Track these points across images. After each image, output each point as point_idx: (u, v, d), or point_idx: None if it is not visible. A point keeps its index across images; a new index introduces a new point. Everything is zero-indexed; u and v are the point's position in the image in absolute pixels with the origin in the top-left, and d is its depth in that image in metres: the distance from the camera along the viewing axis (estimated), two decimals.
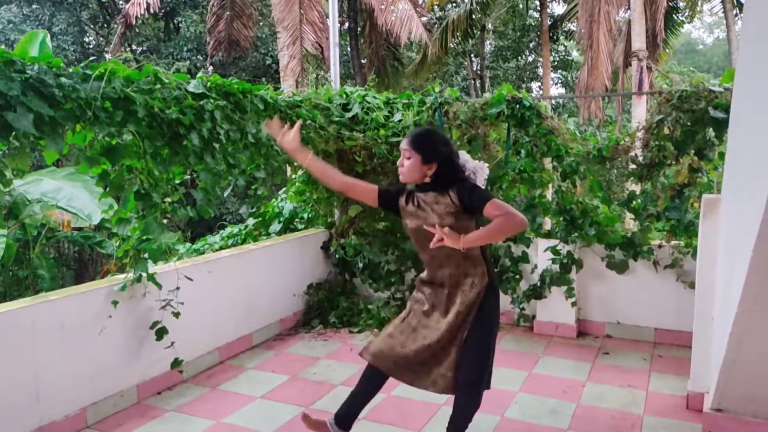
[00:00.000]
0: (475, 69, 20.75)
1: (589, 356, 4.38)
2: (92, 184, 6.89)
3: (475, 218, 2.67)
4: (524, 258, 4.92)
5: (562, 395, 3.70)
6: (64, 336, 3.25)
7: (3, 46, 2.79)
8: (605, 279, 4.77)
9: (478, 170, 2.73)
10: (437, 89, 5.11)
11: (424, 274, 2.80)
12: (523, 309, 4.96)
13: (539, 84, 21.38)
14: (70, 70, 2.99)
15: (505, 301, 5.04)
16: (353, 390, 2.90)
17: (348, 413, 2.87)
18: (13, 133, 2.76)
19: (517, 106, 4.70)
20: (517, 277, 4.94)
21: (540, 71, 19.86)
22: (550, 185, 4.92)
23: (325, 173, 2.81)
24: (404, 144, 2.66)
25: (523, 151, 4.79)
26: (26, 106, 2.70)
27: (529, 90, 20.75)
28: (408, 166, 2.63)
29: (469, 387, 2.71)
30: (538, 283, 4.82)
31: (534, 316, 4.97)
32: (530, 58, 21.52)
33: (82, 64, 3.09)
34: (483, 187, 2.68)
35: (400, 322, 2.80)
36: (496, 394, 3.70)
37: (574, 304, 4.73)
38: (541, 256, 4.80)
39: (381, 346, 2.76)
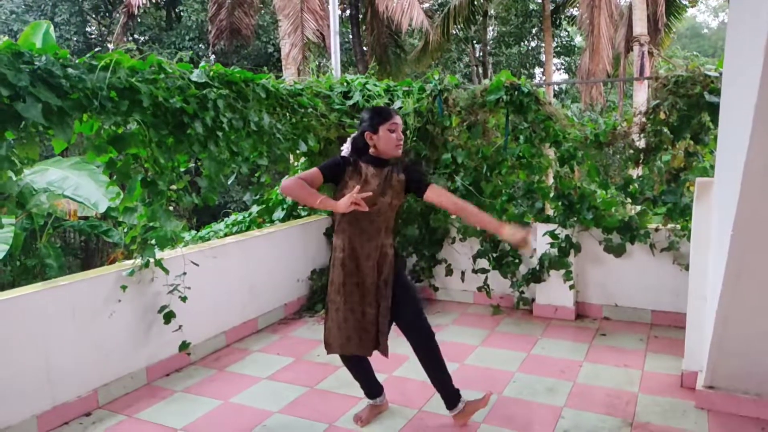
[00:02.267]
0: (477, 55, 20.68)
1: (586, 338, 4.47)
2: (98, 173, 6.99)
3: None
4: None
5: (559, 375, 3.79)
6: (74, 320, 3.36)
7: (6, 37, 2.86)
8: (603, 262, 4.85)
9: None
10: (437, 76, 5.16)
11: (343, 252, 2.91)
12: (522, 292, 5.05)
13: (542, 70, 21.31)
14: (77, 61, 3.07)
15: (504, 284, 5.13)
16: (354, 377, 3.23)
17: (369, 387, 3.24)
18: (23, 123, 2.84)
19: (516, 92, 4.76)
20: (517, 261, 5.03)
21: (543, 57, 19.79)
22: (549, 170, 4.99)
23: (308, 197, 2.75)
24: (399, 119, 2.92)
25: (521, 137, 4.85)
26: (35, 96, 2.78)
27: (531, 76, 20.72)
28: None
29: (418, 318, 3.00)
30: (537, 267, 4.90)
31: (533, 300, 5.06)
32: (533, 44, 21.43)
33: (87, 55, 3.17)
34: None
35: (337, 314, 2.97)
36: (494, 373, 3.82)
37: (572, 287, 4.82)
38: (540, 240, 4.87)
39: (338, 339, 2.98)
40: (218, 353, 4.32)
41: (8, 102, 2.71)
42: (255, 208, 6.42)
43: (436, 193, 2.88)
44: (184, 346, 3.90)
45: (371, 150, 2.89)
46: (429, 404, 3.41)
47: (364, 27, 15.07)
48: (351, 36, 15.79)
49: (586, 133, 4.69)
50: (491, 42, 20.63)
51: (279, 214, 6.15)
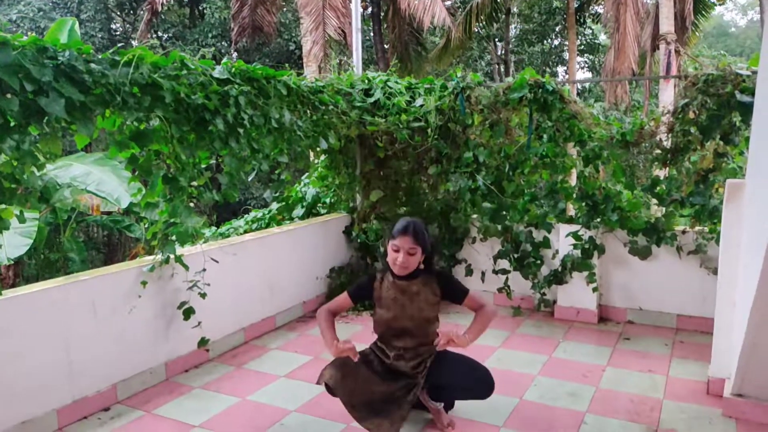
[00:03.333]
0: (499, 53, 20.51)
1: (610, 341, 4.38)
2: (120, 169, 7.06)
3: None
4: (545, 243, 4.92)
5: (582, 379, 3.72)
6: (95, 315, 3.37)
7: (34, 34, 2.88)
8: (627, 265, 4.75)
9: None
10: (459, 74, 5.10)
11: (375, 346, 3.08)
12: (543, 294, 4.97)
13: (565, 68, 21.08)
14: (100, 57, 3.08)
15: (525, 285, 5.06)
16: None
17: None
18: (46, 118, 2.85)
19: (540, 90, 4.67)
20: (538, 262, 4.94)
21: (566, 55, 19.56)
22: (573, 170, 4.90)
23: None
24: (408, 242, 2.82)
25: (545, 136, 4.77)
26: (58, 91, 2.78)
27: (554, 74, 20.49)
28: (413, 262, 2.86)
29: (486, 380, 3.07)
30: (559, 269, 4.82)
31: (555, 301, 4.97)
32: (556, 42, 21.19)
33: (110, 51, 3.17)
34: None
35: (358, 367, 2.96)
36: (515, 376, 3.75)
37: (595, 289, 4.72)
38: (562, 241, 4.79)
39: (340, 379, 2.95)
40: (236, 350, 4.32)
41: (32, 97, 2.71)
42: (275, 205, 6.43)
43: (476, 303, 3.07)
44: (203, 342, 3.90)
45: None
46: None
47: (385, 24, 15.04)
48: (372, 33, 15.76)
49: (611, 132, 4.59)
50: (514, 40, 20.44)
51: (299, 211, 6.15)
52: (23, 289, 3.15)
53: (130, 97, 3.09)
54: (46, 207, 7.58)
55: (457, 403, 3.37)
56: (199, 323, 3.88)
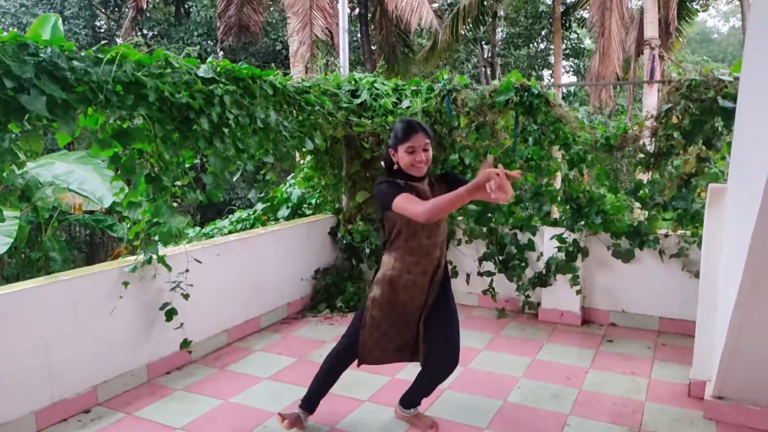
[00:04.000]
0: (486, 56, 20.60)
1: (593, 344, 4.41)
2: (103, 167, 6.98)
3: None
4: (530, 246, 4.94)
5: (565, 381, 3.74)
6: (76, 315, 3.32)
7: (15, 30, 2.83)
8: (611, 267, 4.79)
9: None
10: (446, 76, 5.11)
11: (393, 270, 2.83)
12: (528, 296, 4.99)
13: (551, 72, 21.21)
14: (82, 54, 3.03)
15: (510, 288, 5.07)
16: (321, 377, 3.10)
17: (319, 398, 3.12)
18: (27, 116, 2.80)
19: (526, 93, 4.70)
20: (523, 264, 4.96)
21: (551, 59, 19.69)
22: (558, 173, 4.93)
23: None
24: (422, 138, 2.68)
25: (531, 139, 4.80)
26: (39, 88, 2.74)
27: (540, 78, 20.63)
28: (430, 156, 2.74)
29: (453, 357, 2.97)
30: (544, 271, 4.84)
31: (539, 304, 5.00)
32: (542, 46, 21.34)
33: (93, 48, 3.13)
34: None
35: (377, 330, 2.89)
36: (499, 378, 3.76)
37: (579, 292, 4.75)
38: (546, 244, 4.82)
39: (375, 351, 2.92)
40: (220, 352, 4.29)
41: (12, 94, 2.67)
42: (260, 206, 6.39)
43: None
44: (185, 344, 3.86)
45: (395, 167, 2.78)
46: (432, 408, 3.35)
47: (372, 26, 15.03)
48: (359, 35, 15.75)
49: (596, 136, 4.63)
50: (500, 43, 20.54)
51: (284, 212, 6.12)
52: (2, 289, 3.10)
53: (113, 96, 3.05)
54: (27, 205, 7.47)
55: (441, 404, 3.37)
56: (182, 324, 3.84)
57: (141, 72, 3.22)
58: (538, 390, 3.61)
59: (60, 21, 7.11)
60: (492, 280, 5.05)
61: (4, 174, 2.86)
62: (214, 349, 4.30)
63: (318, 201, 6.03)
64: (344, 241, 5.62)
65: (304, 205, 6.15)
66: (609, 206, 4.67)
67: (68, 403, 3.27)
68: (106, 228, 8.84)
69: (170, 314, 3.74)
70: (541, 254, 4.89)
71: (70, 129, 2.94)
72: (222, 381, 3.77)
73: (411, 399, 3.14)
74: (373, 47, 15.50)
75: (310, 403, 3.10)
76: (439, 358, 2.93)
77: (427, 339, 2.90)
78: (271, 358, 4.17)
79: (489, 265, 5.11)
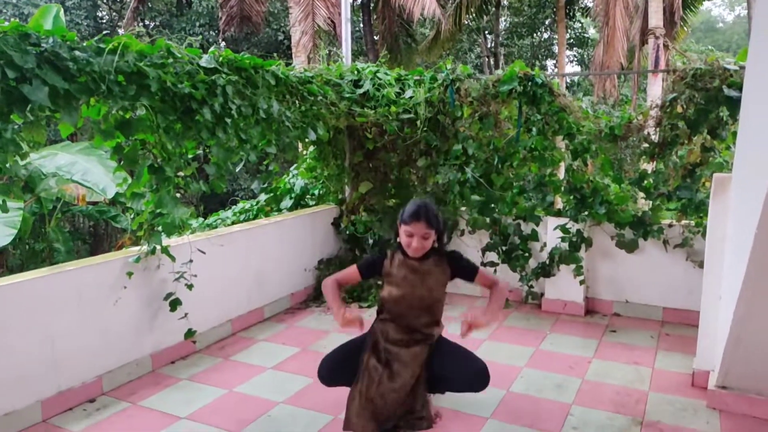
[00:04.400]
0: (489, 46, 20.48)
1: (596, 334, 4.41)
2: (106, 158, 6.99)
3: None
4: (534, 236, 4.94)
5: (568, 371, 3.74)
6: (80, 306, 3.34)
7: (17, 20, 2.82)
8: (614, 258, 4.78)
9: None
10: (449, 66, 5.08)
11: (380, 336, 2.88)
12: (531, 287, 4.99)
13: (554, 62, 21.11)
14: (84, 44, 3.02)
15: (513, 278, 5.07)
16: None
17: None
18: (29, 106, 2.79)
19: (530, 83, 4.67)
20: (526, 255, 4.96)
21: (555, 49, 19.59)
22: (562, 163, 4.91)
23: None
24: (422, 228, 2.73)
25: (534, 129, 4.77)
26: (41, 79, 2.73)
27: (543, 68, 20.52)
28: (428, 245, 2.79)
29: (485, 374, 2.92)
30: (547, 261, 4.84)
31: (542, 294, 5.00)
32: (545, 36, 21.21)
33: (95, 38, 3.11)
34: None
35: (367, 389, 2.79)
36: (502, 368, 3.77)
37: (582, 282, 4.75)
38: (550, 234, 4.81)
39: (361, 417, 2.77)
40: (224, 342, 4.30)
41: (14, 84, 2.67)
42: (263, 197, 6.39)
43: (488, 279, 3.00)
44: (189, 333, 3.87)
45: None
46: (435, 397, 3.36)
47: (375, 15, 14.95)
48: (362, 24, 15.67)
49: (600, 125, 4.60)
50: (503, 33, 20.43)
51: (287, 202, 6.12)
52: (7, 279, 3.11)
53: (115, 86, 3.04)
54: (31, 196, 7.48)
55: (444, 394, 3.37)
56: (186, 315, 3.85)
57: (143, 62, 3.20)
58: (542, 380, 3.62)
59: (62, 11, 7.10)
60: (495, 270, 5.04)
61: (8, 165, 2.86)
62: (218, 339, 4.31)
63: (321, 192, 6.03)
64: (347, 232, 5.62)
65: (307, 196, 6.15)
66: (613, 196, 4.65)
67: (73, 393, 3.29)
68: (110, 219, 8.86)
69: (174, 304, 3.75)
70: (545, 245, 4.89)
71: (73, 119, 2.93)
72: (226, 370, 3.79)
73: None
74: (375, 37, 15.43)
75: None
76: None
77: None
78: (275, 348, 4.19)
79: (492, 256, 5.10)
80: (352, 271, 2.97)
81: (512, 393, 3.44)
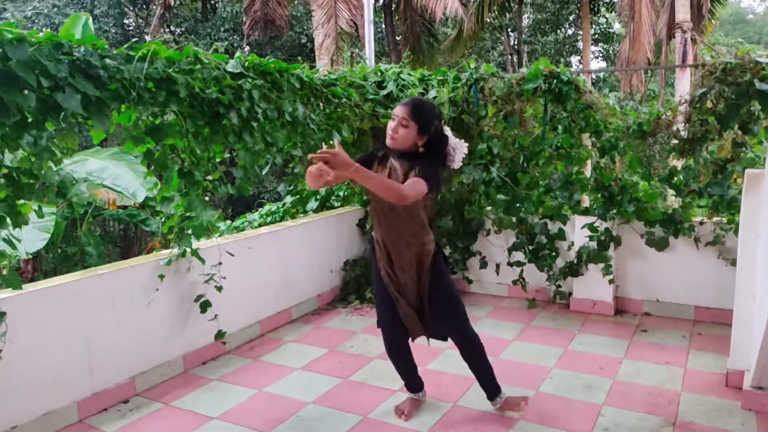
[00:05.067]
0: (512, 44, 20.35)
1: (626, 334, 4.35)
2: (136, 163, 7.11)
3: (434, 195, 2.83)
4: (561, 235, 4.89)
5: (598, 371, 3.70)
6: (114, 308, 3.41)
7: (48, 30, 2.89)
8: (644, 256, 4.71)
9: (457, 147, 2.86)
10: (472, 65, 5.06)
11: (377, 245, 2.96)
12: (559, 286, 4.94)
13: (579, 58, 20.87)
14: (114, 52, 3.09)
15: (540, 278, 5.03)
16: (397, 369, 3.21)
17: (411, 380, 3.22)
18: (63, 114, 2.87)
19: (555, 80, 4.63)
20: (553, 254, 4.91)
21: (580, 45, 19.34)
22: (589, 161, 4.86)
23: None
24: (402, 111, 2.67)
25: (560, 127, 4.73)
26: (74, 87, 2.80)
27: (568, 64, 20.29)
28: (402, 134, 2.69)
29: (459, 331, 3.05)
30: (575, 260, 4.79)
31: (570, 294, 4.94)
32: (570, 32, 20.98)
33: (125, 46, 3.18)
34: (446, 167, 2.87)
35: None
36: (530, 368, 3.74)
37: (611, 281, 4.69)
38: (578, 233, 4.76)
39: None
40: (253, 343, 4.35)
41: (48, 93, 2.74)
42: (288, 199, 6.45)
43: (411, 181, 2.59)
44: (219, 335, 3.93)
45: None
46: (464, 398, 3.36)
47: (396, 16, 14.96)
48: (384, 25, 15.69)
49: (628, 122, 4.54)
50: (526, 30, 20.26)
51: (312, 204, 6.17)
52: (43, 283, 3.20)
53: (145, 92, 3.10)
54: (63, 201, 7.66)
55: (473, 394, 3.36)
56: (216, 316, 3.91)
57: (172, 69, 3.26)
58: (571, 380, 3.58)
59: (90, 20, 7.25)
60: (522, 270, 5.01)
61: (42, 171, 2.94)
62: (247, 340, 4.36)
63: (345, 193, 6.06)
64: (372, 233, 5.63)
65: (332, 198, 6.19)
66: (642, 194, 4.58)
67: (108, 394, 3.37)
68: (140, 222, 9.02)
69: (204, 306, 3.81)
70: (572, 243, 4.84)
71: (105, 126, 3.00)
72: (256, 371, 3.83)
73: (488, 389, 3.13)
74: (397, 38, 15.43)
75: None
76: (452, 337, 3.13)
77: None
78: (303, 348, 4.22)
79: (519, 255, 5.07)
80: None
81: (541, 394, 3.41)
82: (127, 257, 9.94)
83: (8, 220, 2.77)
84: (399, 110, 2.69)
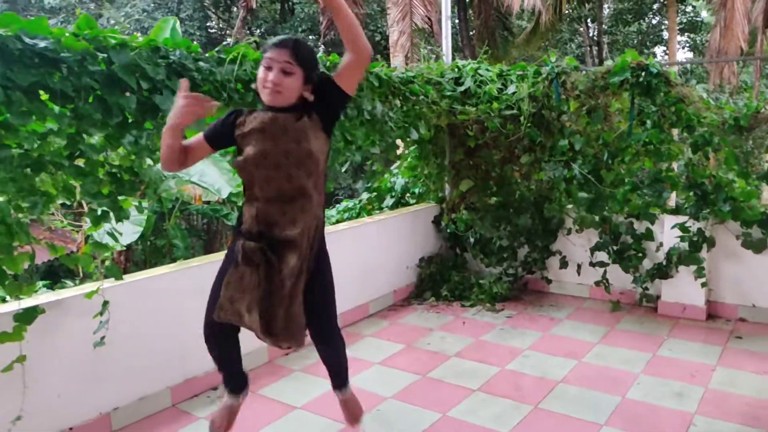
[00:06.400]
0: (591, 35, 19.63)
1: (719, 340, 4.11)
2: (221, 161, 7.41)
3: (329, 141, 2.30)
4: (648, 235, 4.67)
5: (689, 379, 3.51)
6: (203, 299, 3.55)
7: (138, 33, 3.05)
8: (740, 258, 4.42)
9: None
10: (553, 59, 4.92)
11: (250, 224, 2.22)
12: (646, 288, 4.72)
13: (664, 49, 19.86)
14: (206, 55, 3.23)
15: (625, 279, 4.84)
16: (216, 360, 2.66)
17: (234, 376, 2.71)
18: (160, 114, 3.03)
19: (643, 73, 4.41)
20: (640, 255, 4.70)
21: (665, 35, 18.41)
22: (679, 158, 4.61)
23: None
24: (285, 55, 2.08)
25: (648, 122, 4.51)
26: (170, 89, 2.94)
27: (652, 56, 19.35)
28: (288, 85, 2.10)
29: (331, 336, 2.70)
30: (664, 262, 4.56)
31: (658, 297, 4.72)
32: (654, 21, 19.99)
33: (216, 49, 3.32)
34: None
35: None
36: (616, 373, 3.61)
37: (704, 284, 4.43)
38: (667, 233, 4.53)
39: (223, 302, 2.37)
40: None
41: (147, 95, 2.90)
42: (365, 196, 6.52)
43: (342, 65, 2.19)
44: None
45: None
46: (546, 401, 3.28)
47: (471, 11, 14.77)
48: (457, 20, 15.53)
49: (723, 116, 4.27)
50: (607, 20, 19.47)
51: (388, 201, 6.21)
52: (140, 274, 3.40)
53: (234, 93, 3.23)
54: (153, 197, 8.09)
55: (554, 398, 3.28)
56: None
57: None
58: (660, 387, 3.42)
59: (178, 23, 7.60)
60: (605, 270, 4.83)
61: (142, 169, 3.12)
62: None
63: (421, 190, 6.06)
64: (448, 230, 5.61)
65: (407, 195, 6.20)
66: (739, 192, 4.30)
67: (198, 380, 3.53)
68: (222, 217, 9.39)
69: None
70: (661, 244, 4.61)
71: (199, 126, 3.13)
72: None
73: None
74: (470, 32, 15.23)
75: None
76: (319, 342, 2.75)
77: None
78: (381, 343, 4.26)
79: (602, 256, 4.89)
80: (195, 139, 2.31)
81: (628, 400, 3.28)
82: (211, 250, 10.39)
83: (111, 214, 2.95)
84: (276, 53, 2.09)
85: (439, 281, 5.40)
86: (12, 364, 2.66)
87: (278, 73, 2.08)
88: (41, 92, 2.55)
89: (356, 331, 4.55)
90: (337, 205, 6.74)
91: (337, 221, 6.32)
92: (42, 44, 2.47)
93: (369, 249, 4.91)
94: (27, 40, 2.44)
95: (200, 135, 2.30)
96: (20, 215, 2.68)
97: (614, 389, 3.39)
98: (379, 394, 3.44)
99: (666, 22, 16.22)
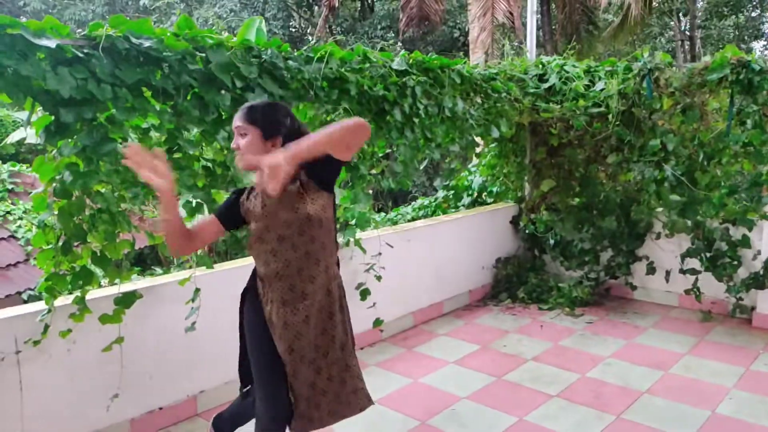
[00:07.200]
0: (683, 29, 18.58)
1: None
2: None
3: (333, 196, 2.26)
4: (745, 242, 4.38)
5: None
6: None
7: (226, 33, 3.17)
8: None
9: None
10: (646, 54, 4.70)
11: (277, 294, 2.24)
12: (740, 299, 4.44)
13: (764, 43, 18.53)
14: (295, 54, 3.32)
15: (717, 288, 4.57)
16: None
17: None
18: None
19: (744, 70, 4.14)
20: (735, 263, 4.42)
21: (764, 28, 17.16)
22: None
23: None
24: (236, 120, 2.12)
25: (749, 122, 4.23)
26: (262, 87, 3.06)
27: (750, 50, 18.10)
28: (245, 145, 2.07)
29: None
30: (761, 272, 4.27)
31: (753, 308, 4.42)
32: (753, 14, 18.66)
33: (304, 48, 3.40)
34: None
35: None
36: (705, 386, 3.43)
37: None
38: (765, 241, 4.24)
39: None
40: (406, 333, 4.46)
41: (240, 93, 3.01)
42: (441, 193, 6.50)
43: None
44: (377, 322, 4.08)
45: None
46: (630, 411, 3.16)
47: (554, 5, 14.35)
48: (540, 15, 15.13)
49: None
50: (701, 13, 18.37)
51: (465, 200, 6.16)
52: (228, 264, 3.58)
53: (320, 91, 3.30)
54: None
55: (640, 409, 3.16)
56: (374, 304, 4.06)
57: (344, 68, 3.43)
58: (755, 403, 3.21)
59: (263, 23, 7.85)
60: (697, 278, 4.58)
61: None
62: (400, 330, 4.49)
63: (499, 189, 5.96)
64: (526, 231, 5.50)
65: (485, 194, 6.12)
66: None
67: None
68: None
69: (364, 294, 3.98)
70: (759, 252, 4.32)
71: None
72: (410, 361, 3.93)
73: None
74: (553, 27, 14.80)
75: None
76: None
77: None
78: (455, 343, 4.25)
79: (693, 262, 4.63)
80: (208, 219, 2.30)
81: (718, 415, 3.11)
82: None
83: (205, 206, 3.10)
84: (234, 122, 2.14)
85: (516, 283, 5.31)
86: (111, 344, 2.86)
87: (237, 138, 2.11)
88: (144, 89, 2.71)
89: (430, 329, 4.55)
90: (413, 203, 6.75)
91: (413, 218, 6.33)
92: (146, 44, 2.62)
93: (445, 248, 4.90)
94: (133, 39, 2.59)
95: (212, 214, 2.31)
96: (123, 205, 2.87)
97: (703, 403, 3.22)
98: (454, 393, 3.43)
99: (766, 15, 15.10)
